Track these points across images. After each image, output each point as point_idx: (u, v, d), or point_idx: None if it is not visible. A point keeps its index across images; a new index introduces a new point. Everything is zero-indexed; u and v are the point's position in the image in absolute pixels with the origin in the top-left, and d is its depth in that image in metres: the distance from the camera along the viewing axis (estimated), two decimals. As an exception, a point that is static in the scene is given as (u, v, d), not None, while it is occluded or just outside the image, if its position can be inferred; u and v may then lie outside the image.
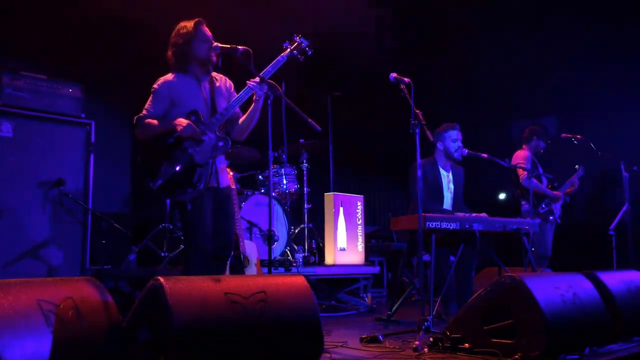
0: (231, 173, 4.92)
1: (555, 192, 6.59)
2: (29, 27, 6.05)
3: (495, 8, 7.60)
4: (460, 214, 5.12)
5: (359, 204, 6.63)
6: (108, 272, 5.35)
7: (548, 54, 8.42)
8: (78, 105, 5.59)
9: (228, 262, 4.10)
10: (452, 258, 5.42)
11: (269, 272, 4.16)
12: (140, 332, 2.50)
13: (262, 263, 5.23)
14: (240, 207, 5.64)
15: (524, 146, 6.77)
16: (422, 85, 4.57)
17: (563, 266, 5.91)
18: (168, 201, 5.96)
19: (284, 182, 6.52)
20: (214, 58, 3.88)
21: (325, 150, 7.19)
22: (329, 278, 6.34)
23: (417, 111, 4.25)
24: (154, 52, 4.39)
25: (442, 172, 5.49)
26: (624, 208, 6.26)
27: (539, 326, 3.10)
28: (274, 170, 6.56)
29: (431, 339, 3.61)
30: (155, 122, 3.80)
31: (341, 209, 6.39)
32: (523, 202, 6.59)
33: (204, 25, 3.89)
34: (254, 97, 3.84)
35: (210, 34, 3.89)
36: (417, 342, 3.62)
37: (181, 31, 3.88)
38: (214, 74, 4.02)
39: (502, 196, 9.47)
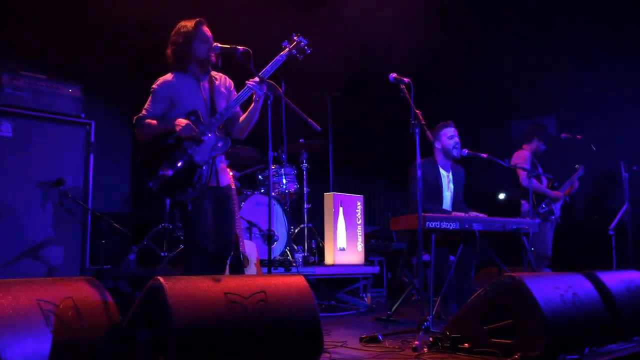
0: (231, 173, 4.92)
1: (555, 192, 6.59)
2: (29, 27, 6.05)
3: (495, 8, 7.60)
4: (460, 214, 5.13)
5: (358, 203, 6.64)
6: (108, 272, 5.35)
7: (548, 53, 8.42)
8: (78, 105, 5.59)
9: (228, 262, 4.10)
10: (451, 258, 5.42)
11: (269, 272, 4.16)
12: (140, 332, 2.50)
13: (261, 263, 5.23)
14: (240, 207, 5.64)
15: (523, 146, 6.76)
16: (422, 85, 4.57)
17: (563, 266, 5.91)
18: (168, 201, 5.96)
19: (284, 182, 6.52)
20: (214, 58, 3.88)
21: (325, 150, 7.19)
22: (329, 278, 6.34)
23: (417, 111, 4.25)
24: (154, 51, 4.38)
25: (442, 172, 5.49)
26: (624, 208, 6.26)
27: (538, 326, 3.10)
28: (273, 170, 6.56)
29: (431, 339, 3.61)
30: (154, 122, 3.80)
31: (341, 208, 6.39)
32: (523, 202, 6.59)
33: (205, 25, 3.89)
34: (254, 97, 3.83)
35: (210, 34, 3.89)
36: (416, 342, 3.62)
37: (181, 30, 3.87)
38: (213, 73, 4.01)
39: (501, 196, 9.47)
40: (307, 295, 2.98)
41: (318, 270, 6.06)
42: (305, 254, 6.33)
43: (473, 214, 5.23)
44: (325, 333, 3.10)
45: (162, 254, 5.79)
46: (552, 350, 3.11)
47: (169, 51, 3.92)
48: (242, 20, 6.38)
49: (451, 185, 5.53)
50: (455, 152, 5.41)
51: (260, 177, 6.65)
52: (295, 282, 3.02)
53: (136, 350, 2.49)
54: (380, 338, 3.89)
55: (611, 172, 7.61)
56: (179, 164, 3.67)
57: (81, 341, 2.38)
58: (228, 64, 4.01)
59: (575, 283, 3.56)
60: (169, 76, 3.91)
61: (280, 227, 6.20)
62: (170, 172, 3.66)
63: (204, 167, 3.70)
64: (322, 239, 6.59)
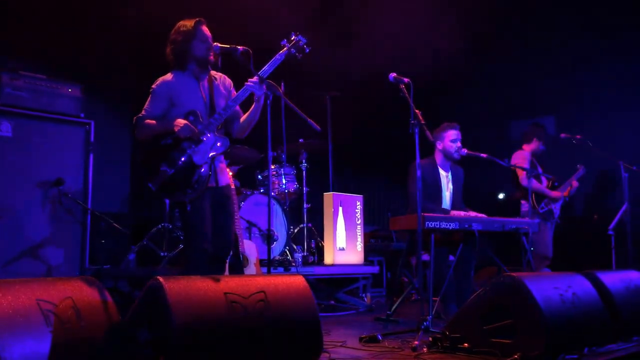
0: (231, 173, 4.92)
1: (554, 192, 6.60)
2: (29, 27, 6.05)
3: (494, 8, 7.60)
4: (460, 214, 5.13)
5: (358, 203, 6.64)
6: (107, 272, 5.35)
7: (547, 54, 8.42)
8: (77, 104, 5.59)
9: (227, 262, 4.10)
10: (451, 258, 5.42)
11: (268, 271, 4.16)
12: (139, 332, 2.50)
13: (261, 263, 5.23)
14: (239, 207, 5.64)
15: (523, 146, 6.77)
16: (422, 84, 4.58)
17: (562, 266, 5.91)
18: (167, 201, 5.96)
19: (283, 181, 6.52)
20: (213, 58, 3.88)
21: (324, 149, 7.19)
22: (328, 278, 6.34)
23: (417, 111, 4.25)
24: (154, 51, 4.38)
25: (441, 172, 5.49)
26: (623, 208, 6.27)
27: (538, 326, 3.10)
28: (273, 170, 6.56)
29: (430, 339, 3.62)
30: (154, 122, 3.80)
31: (340, 208, 6.39)
32: (523, 202, 6.59)
33: (204, 25, 3.90)
34: (255, 96, 3.84)
35: (209, 34, 3.90)
36: (416, 342, 3.62)
37: (181, 29, 3.88)
38: (213, 72, 4.02)
39: (501, 196, 9.48)
40: (306, 295, 2.98)
41: (317, 270, 6.06)
42: (305, 254, 6.33)
43: (472, 214, 5.23)
44: (324, 333, 3.11)
45: (162, 253, 5.79)
46: (552, 350, 3.11)
47: (168, 50, 3.92)
48: (242, 20, 6.38)
49: (450, 185, 5.53)
50: (456, 155, 5.41)
51: (259, 176, 6.65)
52: (295, 282, 3.02)
53: (136, 350, 2.49)
54: (380, 338, 3.89)
55: (610, 172, 7.63)
56: (178, 164, 3.67)
57: (81, 341, 2.38)
58: (228, 64, 4.02)
59: (575, 283, 3.57)
60: (168, 76, 3.92)
61: (280, 227, 6.20)
62: (169, 172, 3.66)
63: (203, 167, 3.70)
64: (322, 238, 6.59)
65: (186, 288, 2.57)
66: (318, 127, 3.92)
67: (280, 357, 2.75)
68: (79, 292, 2.52)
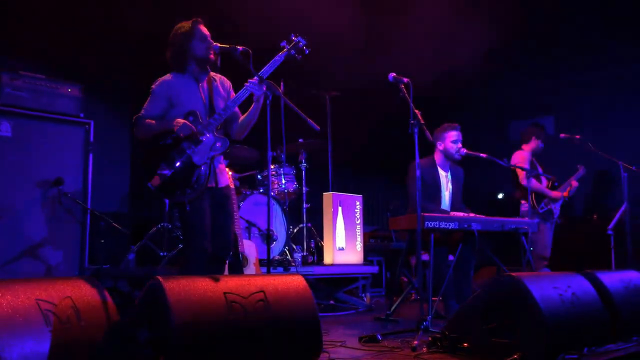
0: (230, 173, 4.92)
1: (554, 192, 6.60)
2: (29, 27, 6.05)
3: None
4: (459, 214, 5.13)
5: (357, 203, 6.64)
6: (107, 272, 5.34)
7: (546, 53, 8.42)
8: (77, 104, 5.59)
9: (227, 262, 4.10)
10: (450, 257, 5.43)
11: (268, 271, 4.16)
12: (139, 332, 2.50)
13: (260, 262, 5.23)
14: (239, 207, 5.64)
15: (523, 147, 6.78)
16: (422, 84, 4.58)
17: (562, 266, 5.91)
18: (167, 201, 5.96)
19: (283, 181, 6.52)
20: (212, 56, 3.89)
21: (324, 149, 7.19)
22: (328, 277, 6.34)
23: (416, 111, 4.25)
24: (154, 51, 4.39)
25: (441, 172, 5.49)
26: (623, 208, 6.27)
27: (537, 326, 3.10)
28: (272, 169, 6.56)
29: (430, 339, 3.62)
30: (153, 122, 3.80)
31: (340, 208, 6.39)
32: (522, 202, 6.60)
33: (202, 24, 3.90)
34: (254, 97, 3.84)
35: (208, 33, 3.90)
36: (415, 342, 3.62)
37: (179, 31, 3.88)
38: (212, 73, 4.02)
39: (500, 196, 9.48)
40: (306, 295, 2.98)
41: (317, 269, 6.06)
42: (305, 254, 6.33)
43: (471, 215, 5.23)
44: (324, 332, 3.11)
45: (162, 253, 5.79)
46: (551, 350, 3.11)
47: (167, 53, 3.92)
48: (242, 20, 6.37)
49: (450, 185, 5.53)
50: (457, 156, 5.41)
51: (259, 176, 6.65)
52: (295, 281, 3.02)
53: (135, 349, 2.49)
54: (379, 338, 3.89)
55: (610, 172, 7.63)
56: (178, 164, 3.67)
57: (80, 341, 2.38)
58: (228, 65, 4.02)
59: (574, 283, 3.57)
60: (168, 77, 3.92)
61: (280, 227, 6.20)
62: (168, 173, 3.66)
63: (202, 168, 3.70)
64: (321, 238, 6.59)
65: (186, 288, 2.57)
66: (317, 127, 3.92)
67: (279, 356, 2.75)
68: (78, 292, 2.52)
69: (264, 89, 3.80)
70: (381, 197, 10.40)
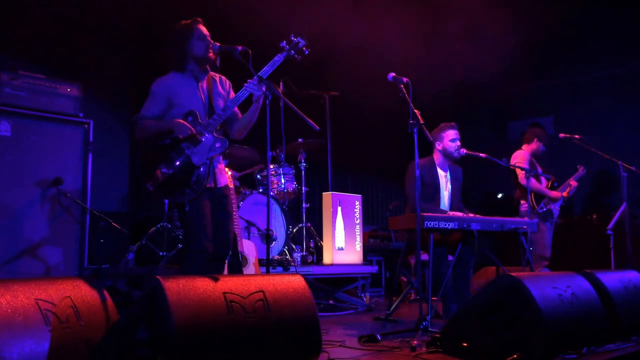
0: (229, 172, 4.92)
1: (553, 192, 6.60)
2: (28, 26, 6.04)
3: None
4: (458, 213, 5.13)
5: (357, 203, 6.64)
6: (106, 271, 5.34)
7: (545, 53, 8.43)
8: (76, 104, 5.58)
9: (226, 262, 4.10)
10: (450, 257, 5.43)
11: (267, 271, 4.16)
12: (138, 331, 2.50)
13: (260, 262, 5.23)
14: (238, 207, 5.64)
15: (523, 147, 6.77)
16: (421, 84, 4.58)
17: (561, 266, 5.92)
18: (167, 200, 5.96)
19: (282, 181, 6.52)
20: (212, 56, 3.88)
21: (323, 149, 7.19)
22: (327, 277, 6.34)
23: (416, 111, 4.25)
24: (153, 51, 4.39)
25: (440, 171, 5.49)
26: (622, 208, 6.27)
27: (537, 326, 3.10)
28: (272, 169, 6.56)
29: (429, 338, 3.62)
30: (152, 122, 3.80)
31: (339, 208, 6.40)
32: (522, 202, 6.60)
33: (201, 23, 3.90)
34: (253, 97, 3.84)
35: (207, 32, 3.89)
36: (415, 342, 3.62)
37: (178, 30, 3.88)
38: (212, 73, 4.01)
39: (499, 196, 9.49)
40: (305, 295, 2.98)
41: (316, 269, 6.06)
42: (304, 254, 6.33)
43: (470, 215, 5.24)
44: (323, 332, 3.11)
45: (161, 253, 5.79)
46: (551, 350, 3.12)
47: (167, 52, 3.92)
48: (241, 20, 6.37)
49: (449, 185, 5.53)
50: (456, 155, 5.41)
51: (258, 176, 6.65)
52: (294, 281, 3.02)
53: (135, 349, 2.49)
54: (379, 337, 3.89)
55: (610, 171, 7.64)
56: (177, 165, 3.67)
57: (80, 340, 2.38)
58: (228, 65, 4.02)
59: (574, 283, 3.57)
60: (167, 76, 3.91)
61: (279, 227, 6.20)
62: (167, 173, 3.65)
63: (201, 168, 3.69)
64: (321, 238, 6.60)
65: (185, 288, 2.57)
66: (316, 127, 3.92)
67: (279, 356, 2.75)
68: (77, 292, 2.52)
69: (264, 89, 3.80)
70: (380, 197, 10.41)
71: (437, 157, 5.52)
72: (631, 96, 8.42)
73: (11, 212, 5.08)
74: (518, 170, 6.46)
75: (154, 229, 5.88)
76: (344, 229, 6.40)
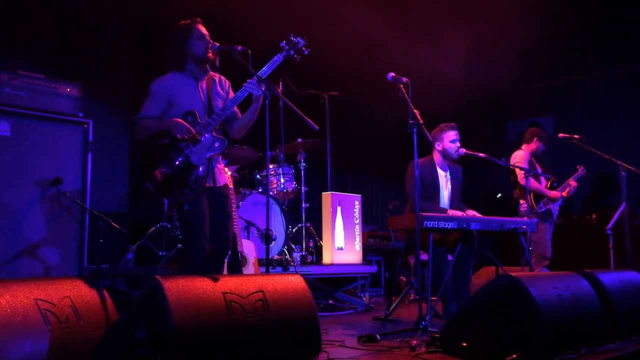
0: (229, 172, 4.91)
1: (553, 192, 6.60)
2: (28, 26, 6.04)
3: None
4: (458, 213, 5.14)
5: (356, 203, 6.64)
6: (106, 271, 5.33)
7: (545, 54, 8.43)
8: (76, 104, 5.58)
9: (226, 261, 4.10)
10: (449, 257, 5.43)
11: (267, 271, 4.16)
12: (138, 331, 2.50)
13: (260, 262, 5.23)
14: (238, 206, 5.64)
15: (523, 146, 6.77)
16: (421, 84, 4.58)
17: (561, 266, 5.92)
18: (166, 200, 5.95)
19: (282, 181, 6.52)
20: (211, 55, 3.88)
21: (323, 149, 7.19)
22: (327, 277, 6.34)
23: (415, 111, 4.25)
24: (153, 50, 4.39)
25: (440, 171, 5.50)
26: (622, 207, 6.27)
27: (536, 325, 3.10)
28: (271, 169, 6.56)
29: (429, 338, 3.62)
30: (151, 122, 3.80)
31: (339, 208, 6.40)
32: (522, 202, 6.60)
33: (200, 23, 3.90)
34: (253, 96, 3.83)
35: (206, 32, 3.89)
36: (414, 341, 3.62)
37: (177, 30, 3.88)
38: (211, 73, 4.01)
39: (498, 195, 9.49)
40: (305, 295, 2.99)
41: (316, 269, 6.06)
42: (303, 254, 6.33)
43: (470, 212, 5.24)
44: (323, 332, 3.11)
45: (160, 253, 5.79)
46: (550, 350, 3.12)
47: (166, 53, 3.92)
48: (242, 20, 6.37)
49: (449, 185, 5.53)
50: (455, 156, 5.42)
51: (258, 176, 6.65)
52: (294, 281, 3.02)
53: (134, 349, 2.49)
54: (378, 337, 3.89)
55: (609, 171, 7.64)
56: (176, 164, 3.67)
57: (79, 340, 2.38)
58: (227, 65, 4.02)
59: (573, 283, 3.57)
60: (167, 76, 3.91)
61: (278, 227, 6.20)
62: (167, 172, 3.65)
63: (200, 168, 3.69)
64: (320, 238, 6.60)
65: (185, 288, 2.57)
66: (316, 126, 3.92)
67: (278, 356, 2.75)
68: (77, 292, 2.52)
69: (263, 88, 3.80)
70: (380, 197, 10.41)
71: (436, 157, 5.52)
72: (630, 96, 8.42)
73: (11, 212, 5.08)
74: (517, 170, 6.46)
75: (153, 228, 5.88)
76: (344, 229, 6.40)
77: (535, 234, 5.68)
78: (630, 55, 8.21)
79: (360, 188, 9.56)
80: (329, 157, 7.31)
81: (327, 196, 6.41)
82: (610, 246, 6.31)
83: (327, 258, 6.31)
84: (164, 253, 5.78)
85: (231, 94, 4.03)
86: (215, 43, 3.87)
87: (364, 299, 6.45)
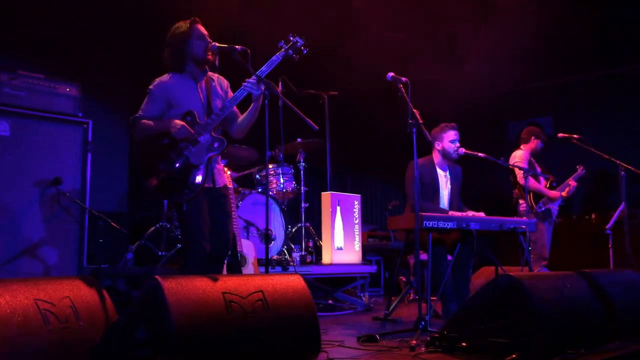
0: (228, 172, 4.92)
1: (552, 192, 6.60)
2: (27, 26, 6.04)
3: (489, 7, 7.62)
4: (457, 213, 5.14)
5: (356, 203, 6.64)
6: (105, 271, 5.34)
7: (544, 54, 8.43)
8: (75, 104, 5.59)
9: (225, 261, 4.10)
10: (449, 257, 5.43)
11: (266, 271, 4.16)
12: (137, 331, 2.50)
13: (259, 262, 5.23)
14: (237, 206, 5.64)
15: (522, 146, 6.77)
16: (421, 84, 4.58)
17: (560, 266, 5.92)
18: (166, 200, 5.95)
19: (281, 181, 6.52)
20: (211, 56, 3.88)
21: (322, 149, 7.19)
22: (326, 277, 6.34)
23: (415, 110, 4.25)
24: (153, 51, 4.38)
25: (439, 171, 5.50)
26: (621, 207, 6.27)
27: (535, 325, 3.11)
28: (271, 169, 6.56)
29: (428, 338, 3.62)
30: (151, 122, 3.79)
31: (338, 208, 6.40)
32: (521, 202, 6.60)
33: (199, 23, 3.89)
34: (253, 96, 3.83)
35: (206, 32, 3.89)
36: (414, 341, 3.62)
37: (176, 31, 3.88)
38: (210, 73, 4.01)
39: (498, 195, 9.48)
40: (304, 295, 2.99)
41: (315, 269, 6.06)
42: (303, 253, 6.33)
43: (470, 212, 5.24)
44: (322, 332, 3.11)
45: (160, 253, 5.79)
46: (549, 350, 3.12)
47: (166, 53, 3.91)
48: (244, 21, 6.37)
49: (448, 185, 5.54)
50: (454, 156, 5.42)
51: (257, 176, 6.65)
52: (293, 281, 3.03)
53: (134, 349, 2.49)
54: (378, 337, 3.89)
55: (608, 171, 7.64)
56: (175, 165, 3.67)
57: (79, 340, 2.38)
58: (227, 64, 4.02)
59: (573, 283, 3.57)
60: (166, 77, 3.91)
61: (278, 227, 6.20)
62: (166, 173, 3.65)
63: (199, 168, 3.69)
64: (320, 238, 6.59)
65: (184, 288, 2.57)
66: (315, 126, 3.92)
67: (278, 356, 2.76)
68: (77, 292, 2.52)
69: (262, 88, 3.79)
70: (380, 197, 10.41)
71: (436, 156, 5.52)
72: (630, 96, 8.42)
73: (10, 212, 5.08)
74: (517, 170, 6.46)
75: (153, 228, 5.88)
76: (343, 229, 6.40)
77: (534, 233, 5.68)
78: (630, 55, 8.21)
79: (360, 188, 9.57)
80: (329, 157, 7.31)
81: (326, 196, 6.41)
82: (610, 246, 6.31)
83: (326, 258, 6.31)
84: (163, 253, 5.78)
85: (230, 94, 4.02)
86: (215, 43, 3.86)
87: (364, 299, 6.45)
